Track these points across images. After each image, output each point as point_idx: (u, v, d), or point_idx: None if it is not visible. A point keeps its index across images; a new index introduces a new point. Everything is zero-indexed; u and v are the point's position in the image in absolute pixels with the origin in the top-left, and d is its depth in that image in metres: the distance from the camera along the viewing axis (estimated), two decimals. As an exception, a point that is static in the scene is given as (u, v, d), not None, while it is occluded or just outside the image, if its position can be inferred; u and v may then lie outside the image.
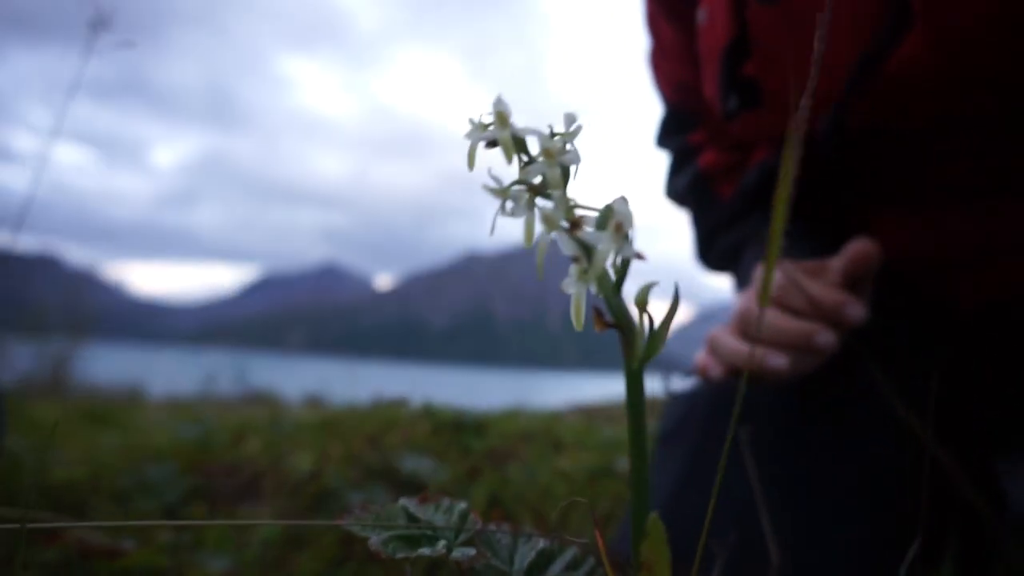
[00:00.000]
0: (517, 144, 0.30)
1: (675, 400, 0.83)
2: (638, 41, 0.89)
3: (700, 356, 0.69)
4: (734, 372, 0.65)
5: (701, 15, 0.72)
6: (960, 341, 0.76)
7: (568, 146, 0.29)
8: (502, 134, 0.30)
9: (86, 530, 0.71)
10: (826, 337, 0.60)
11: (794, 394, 0.72)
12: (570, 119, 0.30)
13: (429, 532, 0.42)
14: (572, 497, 1.14)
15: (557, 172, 0.28)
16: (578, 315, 0.26)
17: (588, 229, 0.27)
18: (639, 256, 0.26)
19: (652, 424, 1.08)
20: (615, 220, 0.26)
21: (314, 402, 4.31)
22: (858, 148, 0.67)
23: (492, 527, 0.45)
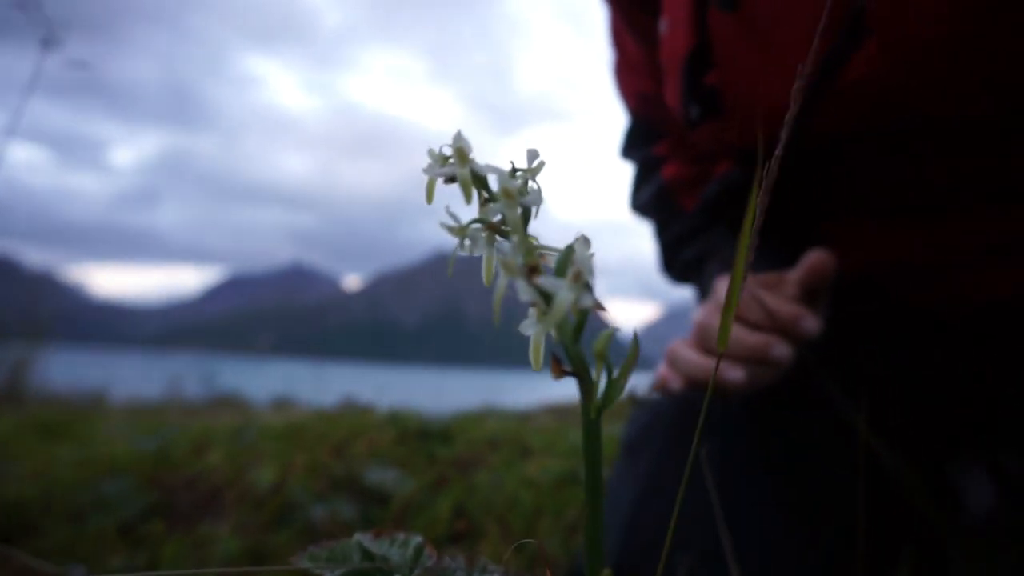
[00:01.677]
0: (477, 181, 0.29)
1: (640, 408, 0.83)
2: (604, 44, 0.88)
3: (660, 369, 0.69)
4: (693, 385, 0.66)
5: (663, 25, 0.72)
6: (917, 347, 0.77)
7: (530, 184, 0.29)
8: (461, 172, 0.29)
9: (32, 556, 0.68)
10: (781, 349, 0.60)
11: (756, 407, 0.72)
12: (532, 155, 0.29)
13: (383, 568, 0.41)
14: (538, 505, 1.14)
15: (517, 213, 0.27)
16: (536, 358, 0.26)
17: (549, 268, 0.26)
18: (599, 306, 0.25)
19: (617, 428, 1.08)
20: (574, 268, 0.25)
21: (282, 405, 4.25)
22: (816, 158, 0.68)
23: (448, 559, 0.44)
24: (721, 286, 0.69)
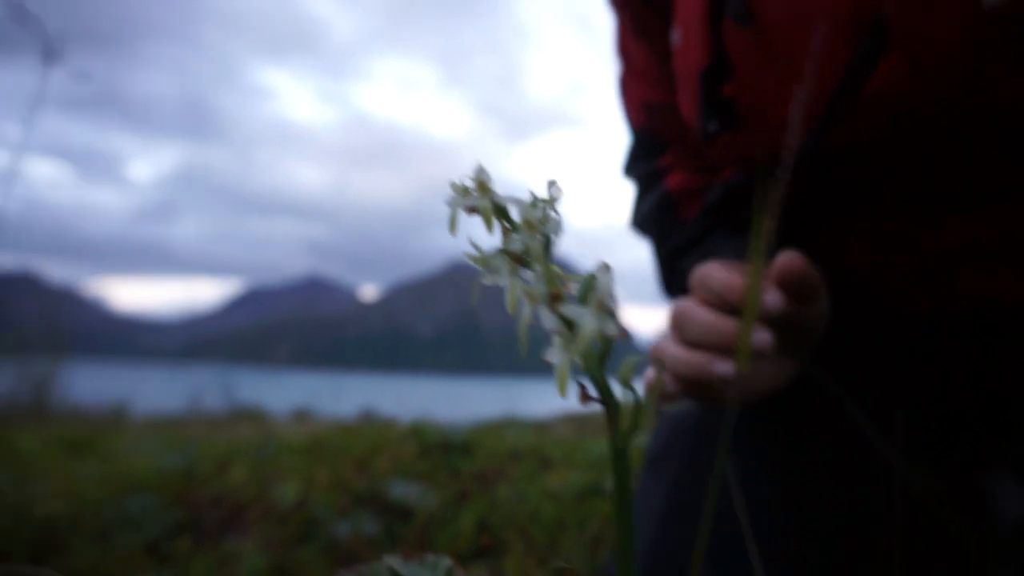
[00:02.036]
0: (498, 211, 0.30)
1: (663, 420, 0.83)
2: (612, 52, 0.88)
3: (648, 373, 0.65)
4: (690, 385, 0.61)
5: (675, 36, 0.72)
6: (934, 353, 0.76)
7: (550, 213, 0.29)
8: (482, 203, 0.29)
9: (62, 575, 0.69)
10: (762, 336, 0.57)
11: (778, 422, 0.71)
12: (552, 185, 0.30)
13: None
14: (561, 518, 1.14)
15: (538, 243, 0.28)
16: (562, 385, 0.26)
17: (571, 296, 0.27)
18: (623, 334, 0.25)
19: (642, 440, 1.08)
20: (597, 296, 0.25)
21: (302, 416, 4.27)
22: (836, 168, 0.67)
23: (479, 581, 0.44)
24: (699, 272, 0.64)
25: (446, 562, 0.45)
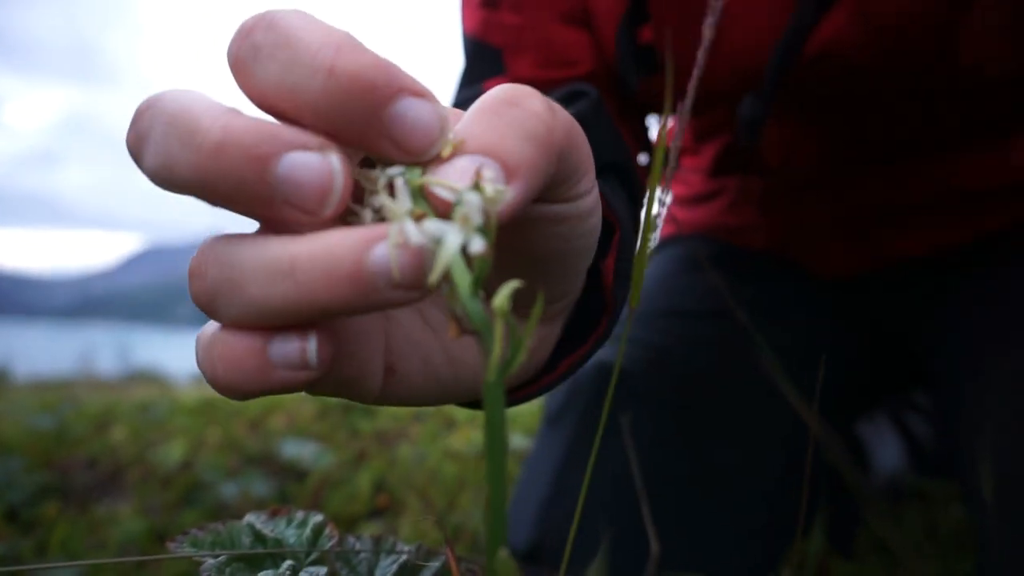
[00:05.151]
0: None
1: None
2: None
3: None
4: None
5: None
6: (825, 309, 0.78)
7: None
8: None
9: None
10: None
11: (676, 375, 0.71)
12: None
13: (276, 552, 0.37)
14: (462, 478, 1.12)
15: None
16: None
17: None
18: (489, 254, 0.22)
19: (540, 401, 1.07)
20: (463, 211, 0.22)
21: (203, 379, 4.09)
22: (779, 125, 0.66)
23: (352, 540, 0.41)
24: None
25: (316, 518, 0.41)
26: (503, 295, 0.22)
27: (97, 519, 0.94)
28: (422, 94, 0.20)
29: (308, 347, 0.22)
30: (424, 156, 0.21)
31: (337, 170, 0.20)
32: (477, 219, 0.20)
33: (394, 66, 0.20)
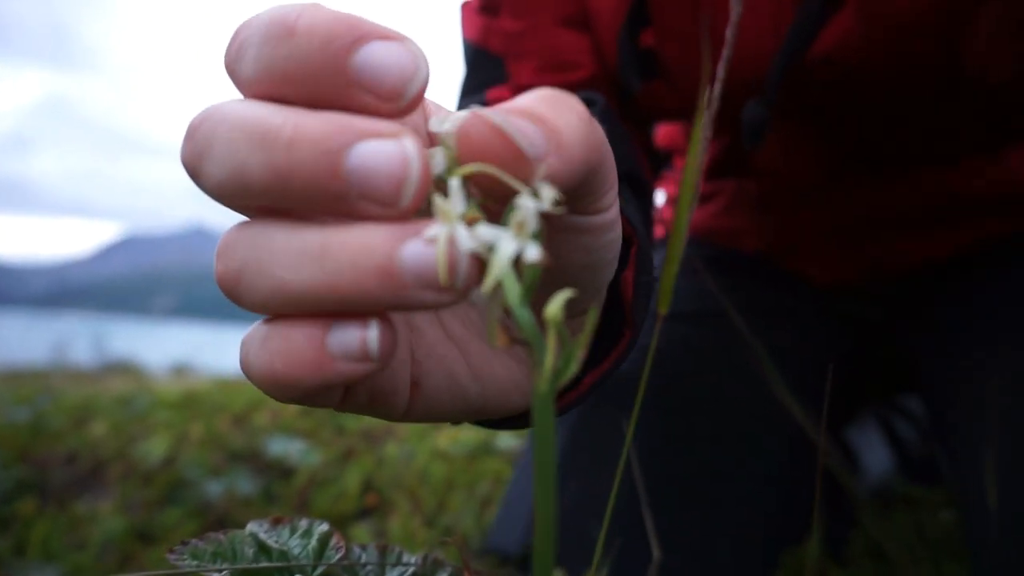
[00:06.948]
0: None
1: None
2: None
3: None
4: None
5: None
6: (817, 312, 0.78)
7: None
8: None
9: None
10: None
11: (667, 377, 0.71)
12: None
13: (282, 565, 0.36)
14: (450, 479, 1.11)
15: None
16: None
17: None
18: (548, 262, 0.21)
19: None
20: (519, 217, 0.21)
21: (181, 371, 4.04)
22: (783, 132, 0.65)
23: (358, 550, 0.39)
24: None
25: (322, 527, 0.39)
26: (556, 304, 0.21)
27: (77, 517, 0.92)
28: (390, 37, 0.19)
29: (369, 336, 0.20)
30: (403, 98, 0.20)
31: (412, 156, 0.19)
32: (533, 225, 0.19)
33: (355, 16, 0.19)
